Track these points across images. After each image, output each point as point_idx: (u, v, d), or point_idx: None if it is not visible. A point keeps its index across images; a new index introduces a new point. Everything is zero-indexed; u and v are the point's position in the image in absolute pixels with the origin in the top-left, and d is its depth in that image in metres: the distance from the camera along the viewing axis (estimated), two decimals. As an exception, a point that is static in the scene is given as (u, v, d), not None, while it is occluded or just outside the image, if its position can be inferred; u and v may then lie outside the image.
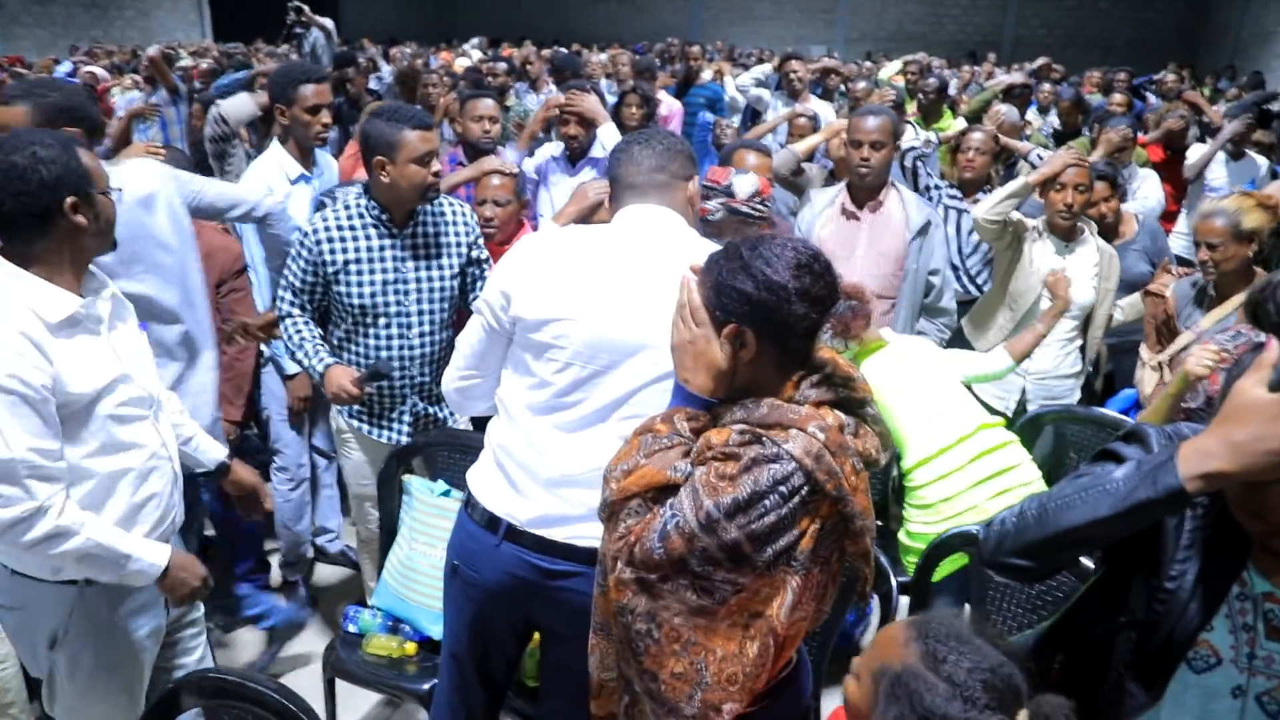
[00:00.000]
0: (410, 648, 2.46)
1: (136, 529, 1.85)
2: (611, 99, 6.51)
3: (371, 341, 2.58)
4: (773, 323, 1.38)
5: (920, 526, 2.54)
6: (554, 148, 4.24)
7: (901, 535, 2.64)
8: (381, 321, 2.56)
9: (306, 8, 7.84)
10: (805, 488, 1.32)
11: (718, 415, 1.44)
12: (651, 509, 1.37)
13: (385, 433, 2.68)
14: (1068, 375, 3.34)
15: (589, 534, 1.67)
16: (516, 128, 5.14)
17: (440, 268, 2.62)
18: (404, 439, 2.68)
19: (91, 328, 1.79)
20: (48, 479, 1.68)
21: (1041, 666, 1.38)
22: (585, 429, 1.73)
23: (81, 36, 15.88)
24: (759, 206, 2.52)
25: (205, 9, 19.03)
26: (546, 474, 1.75)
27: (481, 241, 2.75)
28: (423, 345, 2.62)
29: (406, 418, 2.68)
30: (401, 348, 2.60)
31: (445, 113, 5.14)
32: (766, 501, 1.30)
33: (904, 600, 2.37)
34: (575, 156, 4.05)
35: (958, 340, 3.51)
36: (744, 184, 2.53)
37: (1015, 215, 3.32)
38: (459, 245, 2.66)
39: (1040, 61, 8.76)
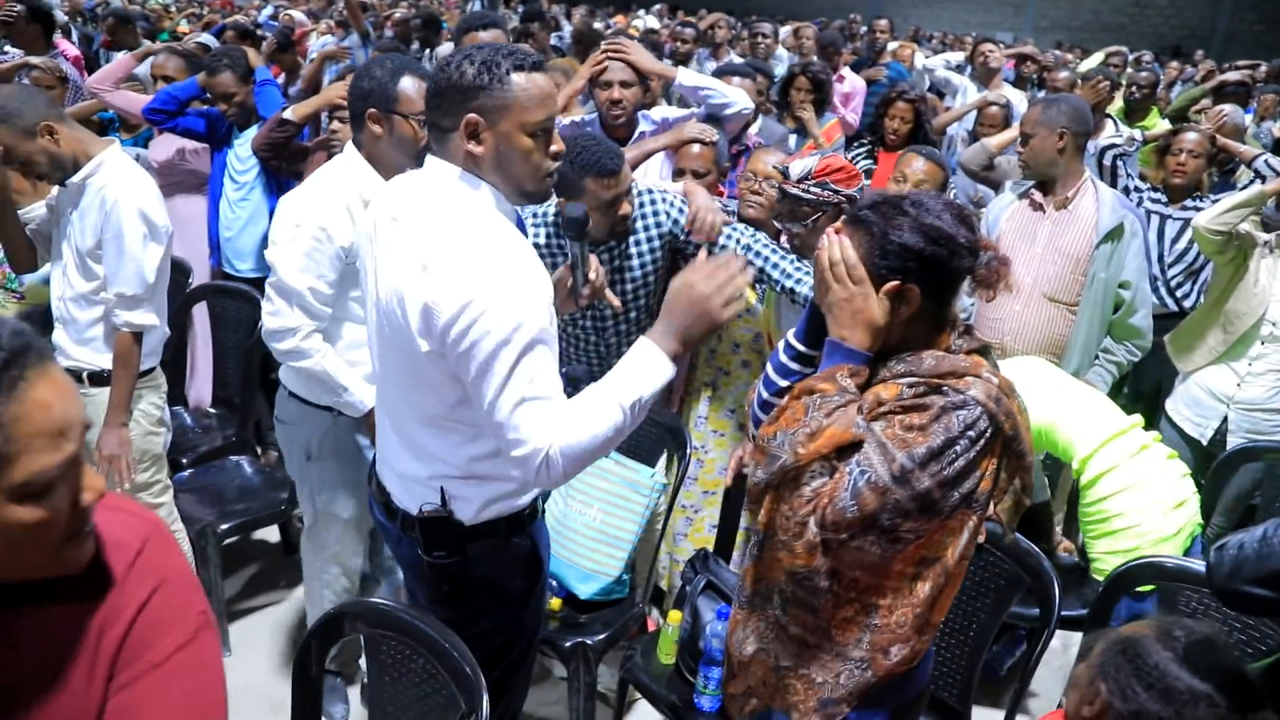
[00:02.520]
0: (555, 603, 2.46)
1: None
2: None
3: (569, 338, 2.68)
4: (940, 276, 1.39)
5: (1107, 546, 2.39)
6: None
7: (1094, 572, 2.47)
8: (578, 326, 2.63)
9: None
10: (989, 429, 1.34)
11: (874, 371, 1.43)
12: (837, 469, 1.35)
13: None
14: (1280, 410, 3.03)
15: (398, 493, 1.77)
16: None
17: (630, 269, 2.57)
18: None
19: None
20: (307, 311, 2.17)
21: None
22: (380, 389, 1.81)
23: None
24: (811, 189, 2.41)
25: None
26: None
27: (677, 218, 2.55)
28: (619, 343, 2.66)
29: None
30: (597, 345, 2.67)
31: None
32: (958, 447, 1.32)
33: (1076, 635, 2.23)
34: (619, 133, 3.06)
35: (1155, 358, 3.24)
36: (797, 167, 2.47)
37: (1245, 227, 2.98)
38: (649, 240, 2.56)
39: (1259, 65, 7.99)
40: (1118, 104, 5.55)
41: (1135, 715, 1.20)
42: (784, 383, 1.52)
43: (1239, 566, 1.22)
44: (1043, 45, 14.71)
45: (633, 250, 2.54)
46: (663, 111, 3.25)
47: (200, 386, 3.53)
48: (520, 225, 1.74)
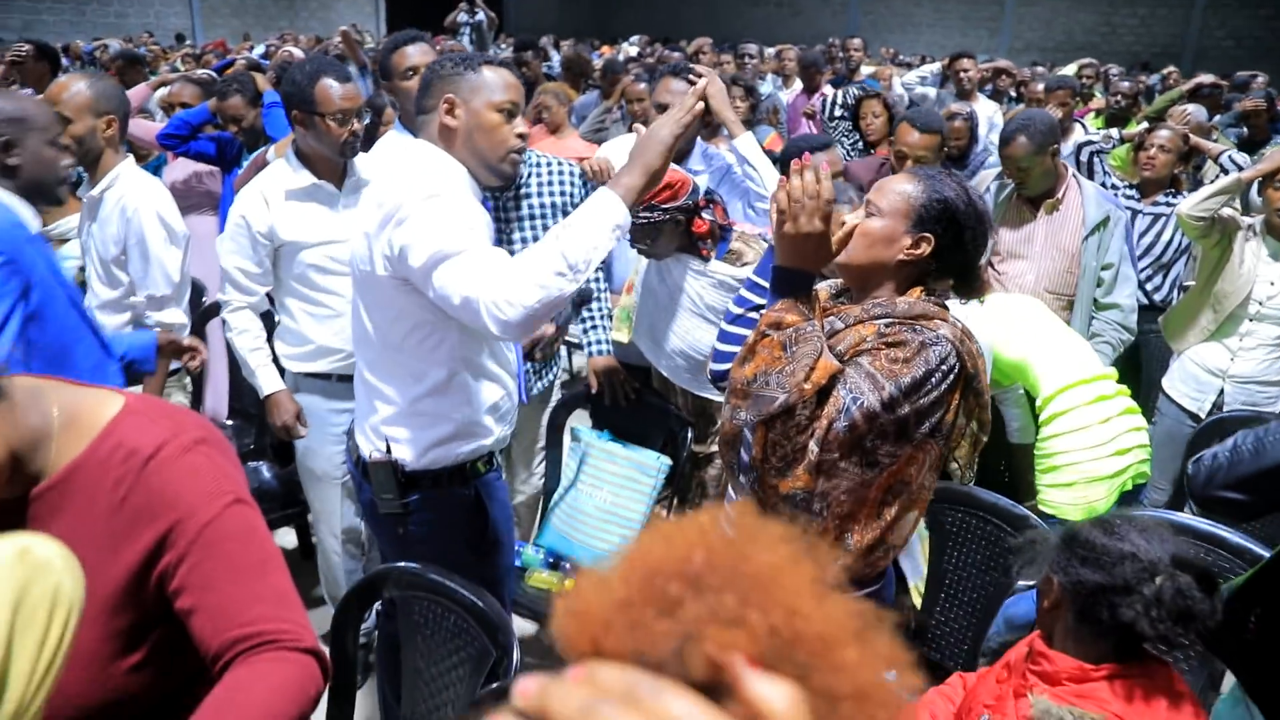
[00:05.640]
0: (569, 584, 2.56)
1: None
2: (785, 95, 6.54)
3: None
4: (955, 240, 1.56)
5: (1049, 480, 2.55)
6: (629, 142, 3.19)
7: (1040, 504, 2.60)
8: None
9: None
10: (957, 366, 1.50)
11: (839, 311, 1.58)
12: (832, 395, 1.47)
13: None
14: (1274, 382, 3.16)
15: (360, 442, 1.97)
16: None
17: (519, 224, 2.61)
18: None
19: (325, 200, 2.48)
20: (237, 287, 2.48)
21: (1238, 620, 1.37)
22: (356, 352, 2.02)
23: (271, 26, 17.08)
24: (641, 215, 2.36)
25: (382, 1, 20.09)
26: None
27: (573, 193, 2.66)
28: None
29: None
30: None
31: (623, 94, 5.27)
32: (933, 379, 1.48)
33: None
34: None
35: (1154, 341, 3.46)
36: None
37: (1226, 212, 3.15)
38: (540, 200, 2.63)
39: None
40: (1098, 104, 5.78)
41: (1076, 585, 1.36)
42: (740, 330, 1.68)
43: (1213, 475, 1.36)
44: (1018, 65, 15.04)
45: (522, 205, 2.62)
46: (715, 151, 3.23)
47: (216, 399, 3.63)
48: (487, 210, 1.94)
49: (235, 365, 3.53)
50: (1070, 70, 7.05)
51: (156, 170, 4.10)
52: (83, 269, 2.71)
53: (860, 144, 4.59)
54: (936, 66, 6.83)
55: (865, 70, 7.20)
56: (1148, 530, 1.34)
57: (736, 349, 1.67)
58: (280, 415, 2.50)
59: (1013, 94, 7.20)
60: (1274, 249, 3.12)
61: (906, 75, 6.55)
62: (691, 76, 2.94)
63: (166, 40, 14.34)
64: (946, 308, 1.60)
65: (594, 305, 2.76)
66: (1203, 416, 3.23)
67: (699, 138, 3.14)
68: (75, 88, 2.54)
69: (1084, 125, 5.31)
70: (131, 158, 2.63)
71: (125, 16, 16.50)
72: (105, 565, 1.07)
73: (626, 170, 1.68)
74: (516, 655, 1.63)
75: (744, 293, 1.76)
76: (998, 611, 2.26)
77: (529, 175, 2.61)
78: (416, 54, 2.96)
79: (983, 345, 2.55)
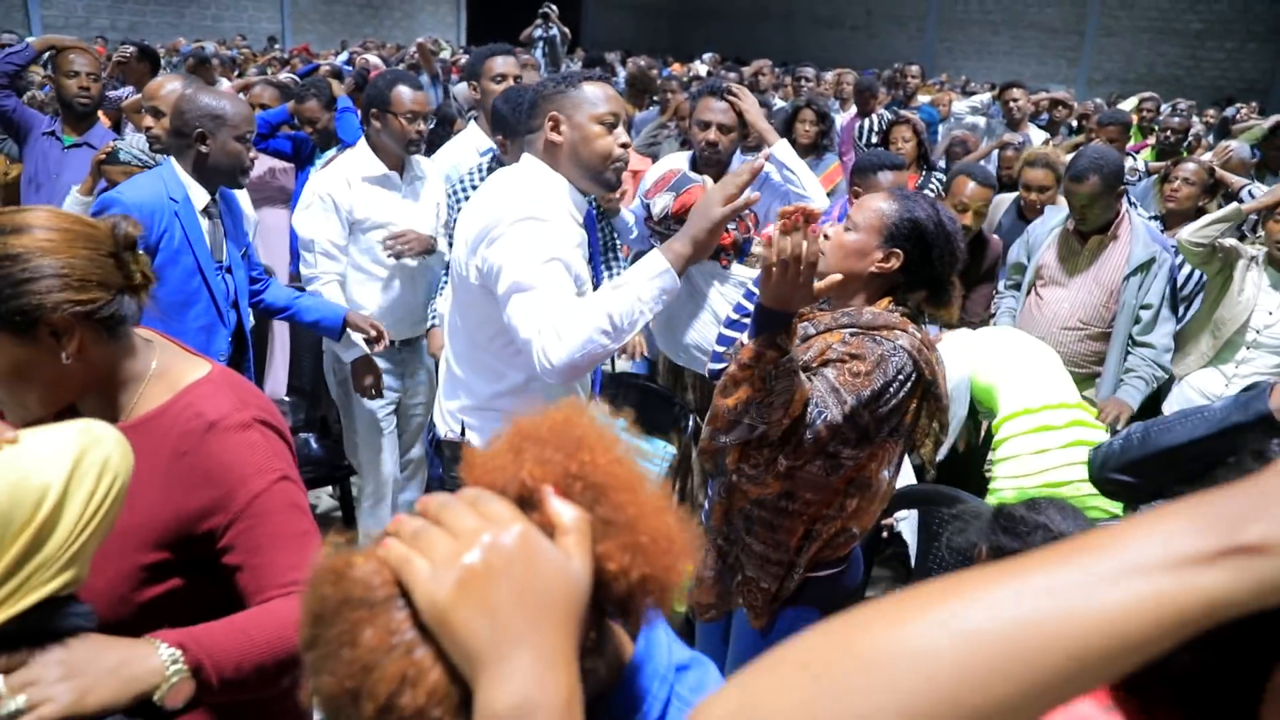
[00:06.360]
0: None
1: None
2: (839, 119, 6.69)
3: None
4: (924, 258, 1.71)
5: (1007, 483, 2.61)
6: (679, 159, 3.25)
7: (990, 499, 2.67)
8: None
9: (554, 11, 8.56)
10: (914, 374, 1.63)
11: (813, 318, 1.75)
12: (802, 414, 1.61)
13: None
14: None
15: (437, 420, 2.16)
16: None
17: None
18: None
19: (392, 188, 2.89)
20: (327, 255, 2.86)
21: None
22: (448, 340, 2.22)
23: (356, 33, 17.80)
24: (672, 227, 2.47)
25: (462, 13, 20.76)
26: None
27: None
28: None
29: None
30: None
31: (676, 112, 5.47)
32: (892, 388, 1.61)
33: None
34: (710, 173, 3.01)
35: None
36: (657, 205, 2.69)
37: (1228, 241, 3.24)
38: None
39: None
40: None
41: (996, 551, 1.52)
42: (737, 334, 1.86)
43: (1107, 460, 1.52)
44: (1096, 96, 14.83)
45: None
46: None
47: (276, 377, 3.95)
48: (590, 220, 2.10)
49: (294, 346, 3.85)
50: (1130, 104, 7.05)
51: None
52: None
53: None
54: (988, 96, 6.92)
55: (922, 97, 7.32)
56: (1065, 510, 1.51)
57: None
58: (365, 378, 2.85)
59: (1073, 124, 7.23)
60: (1275, 279, 3.20)
61: (957, 104, 6.66)
62: (729, 97, 3.14)
63: (259, 43, 15.11)
64: (913, 319, 1.75)
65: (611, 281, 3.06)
66: None
67: (739, 150, 3.34)
68: (169, 86, 2.98)
69: (1134, 158, 5.36)
70: None
71: (221, 20, 17.38)
72: (156, 505, 1.25)
73: (679, 238, 1.79)
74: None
75: (743, 300, 1.94)
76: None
77: None
78: (501, 64, 3.48)
79: (961, 372, 2.71)
